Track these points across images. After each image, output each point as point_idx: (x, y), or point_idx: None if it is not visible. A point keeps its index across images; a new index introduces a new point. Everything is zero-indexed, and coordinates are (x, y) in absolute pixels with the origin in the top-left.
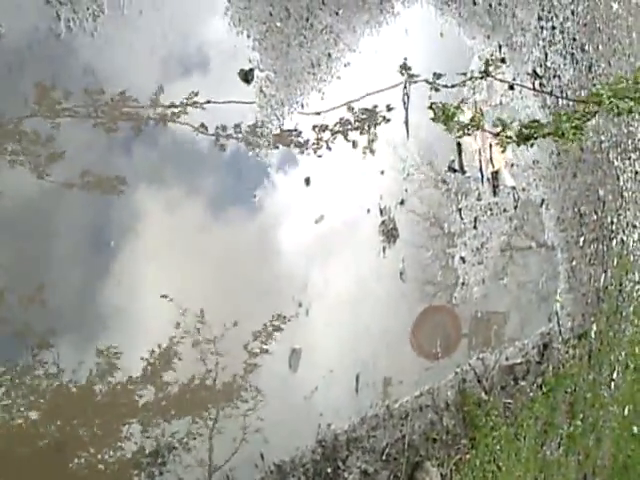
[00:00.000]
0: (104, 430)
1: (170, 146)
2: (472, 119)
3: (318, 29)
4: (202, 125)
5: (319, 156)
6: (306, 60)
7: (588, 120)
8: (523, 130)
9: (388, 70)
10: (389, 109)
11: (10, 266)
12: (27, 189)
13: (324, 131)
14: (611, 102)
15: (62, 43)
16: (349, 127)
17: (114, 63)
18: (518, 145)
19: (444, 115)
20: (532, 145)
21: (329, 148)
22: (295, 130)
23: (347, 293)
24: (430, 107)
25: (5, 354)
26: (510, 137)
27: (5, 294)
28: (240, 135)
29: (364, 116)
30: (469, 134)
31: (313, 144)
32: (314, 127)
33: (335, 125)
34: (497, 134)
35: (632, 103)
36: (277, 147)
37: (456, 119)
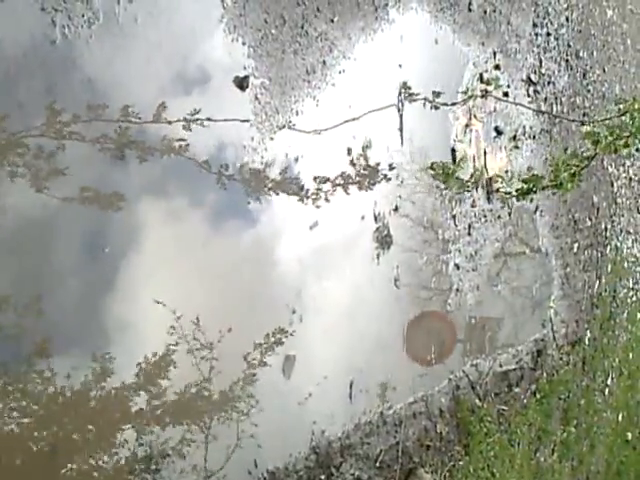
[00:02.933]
0: (98, 436)
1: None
2: (472, 176)
3: (313, 36)
4: (205, 162)
5: (317, 207)
6: (301, 67)
7: (585, 167)
8: (523, 185)
9: (383, 77)
10: (391, 168)
11: (10, 275)
12: (28, 202)
13: (324, 182)
14: (609, 142)
15: (57, 50)
16: (350, 181)
17: (109, 70)
18: (517, 200)
19: (444, 173)
20: (531, 200)
21: (327, 200)
22: (297, 178)
23: (341, 300)
24: (430, 167)
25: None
26: (509, 193)
27: (3, 302)
28: (241, 177)
29: (365, 172)
30: (468, 191)
31: (313, 194)
32: (315, 178)
33: (336, 178)
34: (497, 190)
35: (628, 138)
36: (277, 194)
37: (456, 176)
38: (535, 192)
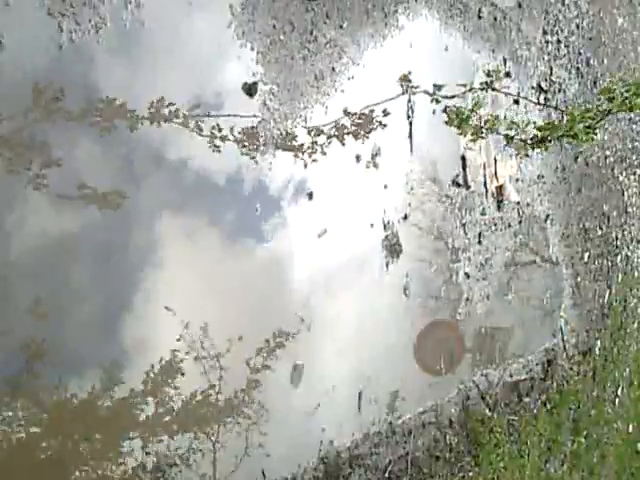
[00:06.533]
0: (105, 445)
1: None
2: (486, 122)
3: (322, 43)
4: (197, 126)
5: (314, 160)
6: (310, 74)
7: (601, 119)
8: (537, 133)
9: (392, 84)
10: (385, 114)
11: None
12: (42, 219)
13: (319, 135)
14: (624, 98)
15: (64, 55)
16: (345, 131)
17: (116, 75)
18: (533, 149)
19: (458, 118)
20: (547, 148)
21: (324, 153)
22: (289, 134)
23: (350, 309)
24: (444, 111)
25: (7, 367)
26: (524, 141)
27: (13, 311)
28: (235, 137)
29: (360, 121)
30: (483, 137)
31: (308, 148)
32: (309, 131)
33: (330, 129)
34: (511, 138)
35: None
36: (271, 150)
37: (470, 122)
38: (550, 141)
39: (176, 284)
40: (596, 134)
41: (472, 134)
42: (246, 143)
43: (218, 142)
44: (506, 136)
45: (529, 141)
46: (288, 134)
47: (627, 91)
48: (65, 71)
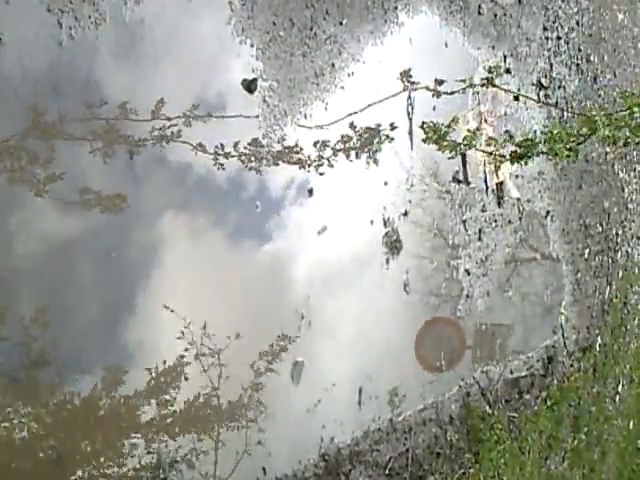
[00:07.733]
0: (106, 444)
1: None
2: (464, 138)
3: (322, 39)
4: (200, 145)
5: (321, 174)
6: (310, 70)
7: (583, 142)
8: (517, 149)
9: (392, 80)
10: (393, 128)
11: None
12: (48, 222)
13: (325, 149)
14: (607, 136)
15: (64, 51)
16: (351, 145)
17: (115, 71)
18: (512, 164)
19: (435, 135)
20: (526, 163)
21: (331, 165)
22: (296, 146)
23: (350, 305)
24: (421, 127)
25: (9, 368)
26: (503, 156)
27: (8, 311)
28: (239, 152)
29: (367, 134)
30: (462, 153)
31: (315, 161)
32: (315, 144)
33: (337, 143)
34: (490, 153)
35: (628, 133)
36: (277, 164)
37: (448, 138)
38: (530, 157)
39: (178, 283)
40: (577, 156)
41: (450, 151)
42: (251, 158)
43: (222, 159)
44: (484, 151)
45: (508, 156)
46: (292, 148)
47: (609, 124)
48: (65, 68)
